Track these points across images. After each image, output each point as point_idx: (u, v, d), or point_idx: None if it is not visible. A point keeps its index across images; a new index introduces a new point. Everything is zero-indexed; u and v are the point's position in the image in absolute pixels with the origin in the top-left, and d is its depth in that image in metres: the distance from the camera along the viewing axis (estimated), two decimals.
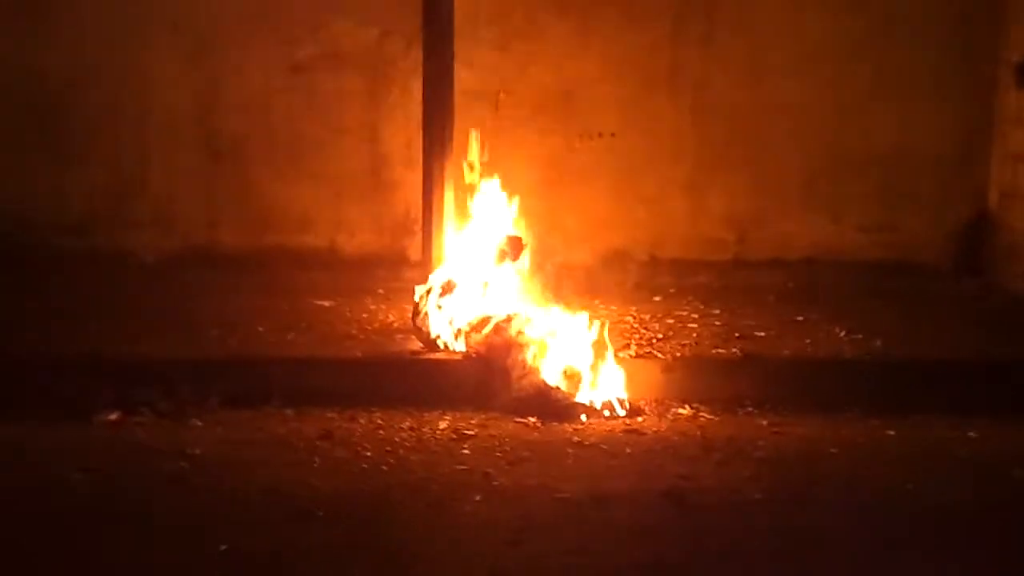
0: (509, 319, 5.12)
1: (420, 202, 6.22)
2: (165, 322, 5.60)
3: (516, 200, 5.51)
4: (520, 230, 5.48)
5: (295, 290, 6.25)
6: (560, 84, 6.60)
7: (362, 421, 4.74)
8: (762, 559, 3.47)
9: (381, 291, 6.35)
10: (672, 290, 6.43)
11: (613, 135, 6.62)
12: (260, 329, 5.51)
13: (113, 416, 4.73)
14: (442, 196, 5.44)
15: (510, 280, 5.38)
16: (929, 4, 6.56)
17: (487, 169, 5.49)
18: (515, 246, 5.40)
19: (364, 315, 5.86)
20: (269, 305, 5.96)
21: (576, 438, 4.57)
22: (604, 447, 4.47)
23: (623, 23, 6.57)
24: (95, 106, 6.53)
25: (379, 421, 4.74)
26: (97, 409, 4.75)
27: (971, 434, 4.67)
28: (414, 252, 6.57)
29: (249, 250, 6.60)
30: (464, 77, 5.71)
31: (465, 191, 5.53)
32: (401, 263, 6.56)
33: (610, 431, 4.67)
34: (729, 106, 6.63)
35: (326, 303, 6.06)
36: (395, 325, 5.63)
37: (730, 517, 3.77)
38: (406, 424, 4.69)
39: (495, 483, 4.06)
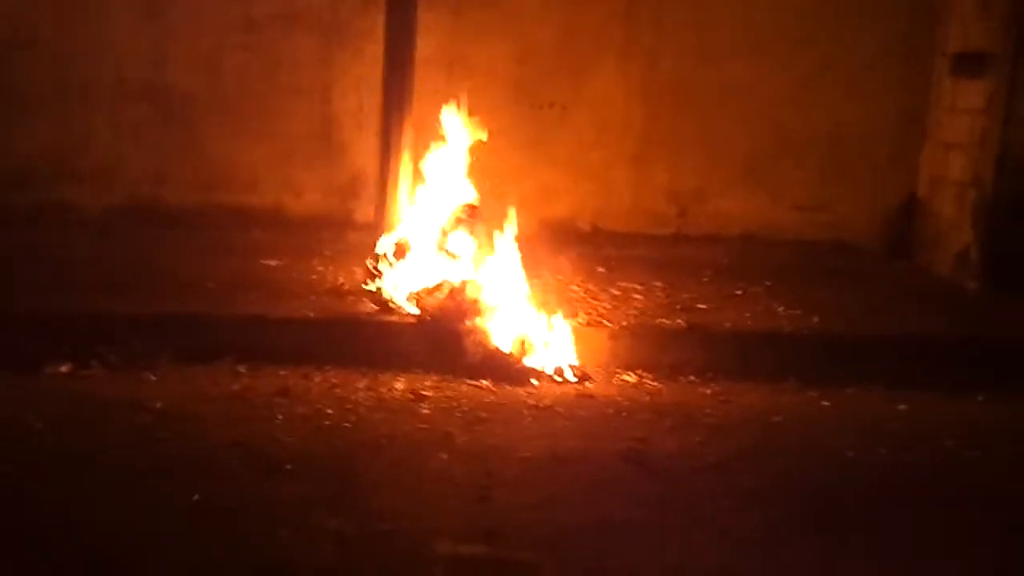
0: (463, 284, 5.20)
1: (369, 165, 6.29)
2: (112, 277, 5.55)
3: (471, 166, 5.57)
4: (475, 196, 5.54)
5: (242, 249, 6.25)
6: (513, 53, 6.67)
7: (317, 380, 4.78)
8: (723, 519, 3.61)
9: (327, 252, 6.36)
10: (614, 261, 6.55)
11: (564, 107, 6.71)
12: (209, 286, 5.50)
13: (64, 368, 4.70)
14: (399, 159, 5.47)
15: (464, 245, 5.44)
16: None
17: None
18: (470, 212, 5.47)
19: (312, 276, 5.88)
20: (216, 263, 5.94)
21: (531, 401, 4.68)
22: (559, 410, 4.59)
23: None
24: (41, 58, 6.41)
25: (334, 380, 4.79)
26: (47, 361, 4.71)
27: (901, 407, 4.88)
28: (360, 214, 6.61)
29: (194, 207, 6.56)
30: (419, 43, 5.73)
31: (419, 156, 5.57)
32: (347, 225, 6.59)
33: (562, 395, 4.79)
34: (677, 84, 6.77)
35: (273, 263, 6.07)
36: (345, 286, 5.66)
37: (689, 479, 3.92)
38: (361, 384, 4.75)
39: (458, 442, 4.15)
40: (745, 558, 3.38)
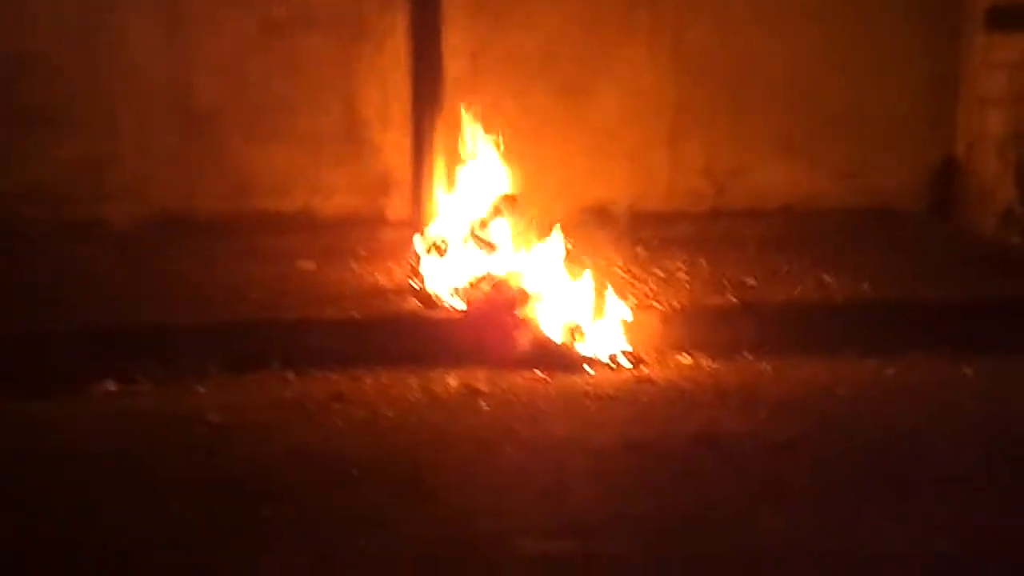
0: (507, 275, 5.11)
1: (397, 161, 6.19)
2: (150, 290, 5.44)
3: (504, 156, 5.47)
4: (511, 184, 5.45)
5: (276, 254, 6.10)
6: (539, 38, 6.52)
7: (368, 381, 4.68)
8: (808, 500, 3.52)
9: (363, 252, 6.22)
10: (655, 242, 6.42)
11: (594, 91, 6.58)
12: (248, 293, 5.39)
13: (111, 386, 4.61)
14: (432, 153, 5.39)
15: (504, 235, 5.35)
16: None
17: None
18: (507, 201, 5.38)
19: (350, 276, 5.76)
20: (253, 270, 5.82)
21: (590, 390, 4.58)
22: (620, 397, 4.49)
23: None
24: (65, 71, 6.30)
25: (385, 381, 4.68)
26: (93, 380, 4.62)
27: (967, 371, 4.78)
28: (392, 212, 6.50)
29: (226, 216, 6.42)
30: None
31: (451, 149, 5.48)
32: (379, 223, 6.47)
33: (621, 382, 4.69)
34: (708, 60, 6.61)
35: (310, 265, 5.96)
36: (385, 285, 5.56)
37: (765, 460, 3.82)
38: (414, 383, 4.65)
39: (523, 436, 4.06)
40: (842, 539, 3.27)
